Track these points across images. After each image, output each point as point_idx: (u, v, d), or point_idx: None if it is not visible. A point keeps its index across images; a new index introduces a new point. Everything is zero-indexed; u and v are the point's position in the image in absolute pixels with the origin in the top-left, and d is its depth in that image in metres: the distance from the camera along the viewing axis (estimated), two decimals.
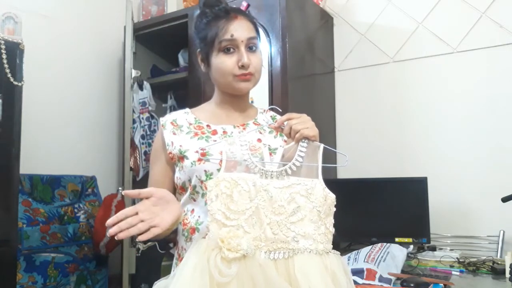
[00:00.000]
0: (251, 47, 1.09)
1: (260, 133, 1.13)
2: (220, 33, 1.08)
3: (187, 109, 1.20)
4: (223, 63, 1.08)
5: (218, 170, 0.99)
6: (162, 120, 1.16)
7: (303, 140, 1.01)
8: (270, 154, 1.03)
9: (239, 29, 1.08)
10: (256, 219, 0.92)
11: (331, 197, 0.97)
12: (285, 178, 0.96)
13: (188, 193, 1.08)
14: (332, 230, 0.96)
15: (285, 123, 1.05)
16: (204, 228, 0.95)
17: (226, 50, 1.08)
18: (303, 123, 1.02)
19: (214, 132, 1.11)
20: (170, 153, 1.10)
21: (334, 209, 0.98)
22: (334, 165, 1.04)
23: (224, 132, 1.11)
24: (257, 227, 0.92)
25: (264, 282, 0.86)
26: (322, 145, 1.01)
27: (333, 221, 0.97)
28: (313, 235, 0.93)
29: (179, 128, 1.13)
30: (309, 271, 0.89)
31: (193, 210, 1.08)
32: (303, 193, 0.95)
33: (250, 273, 0.87)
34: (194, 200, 1.08)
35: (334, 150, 1.04)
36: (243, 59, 1.06)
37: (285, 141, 1.11)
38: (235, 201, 0.93)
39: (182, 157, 1.08)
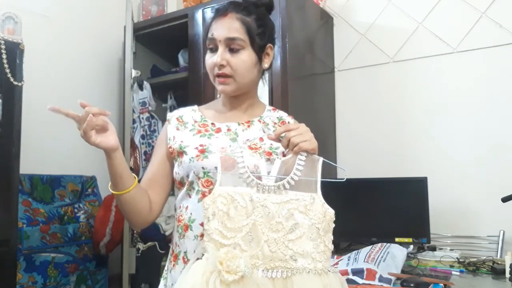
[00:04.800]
0: (232, 48, 1.07)
1: (264, 132, 1.12)
2: (208, 31, 1.10)
3: (195, 107, 1.20)
4: (207, 61, 1.11)
5: (216, 168, 0.98)
6: (169, 115, 1.17)
7: (301, 153, 0.97)
8: (269, 154, 1.02)
9: (220, 28, 1.07)
10: (253, 236, 0.90)
11: (330, 213, 0.94)
12: (283, 192, 0.93)
13: (185, 188, 1.09)
14: (331, 247, 0.94)
15: (283, 134, 1.00)
16: (198, 230, 0.94)
17: (210, 49, 1.10)
18: (302, 135, 0.98)
19: (218, 130, 1.12)
20: (170, 147, 1.12)
21: (333, 225, 0.95)
22: (333, 180, 1.00)
23: (228, 129, 1.12)
24: (254, 245, 0.90)
25: None
26: (321, 159, 0.98)
27: (332, 237, 0.94)
28: (311, 254, 0.91)
29: (183, 125, 1.14)
30: None
31: (187, 207, 1.08)
32: (302, 209, 0.92)
33: None
34: (189, 197, 1.08)
35: (334, 164, 1.02)
36: (215, 59, 1.07)
37: None
38: (232, 217, 0.90)
39: (181, 152, 1.08)
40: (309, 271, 0.89)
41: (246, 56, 1.08)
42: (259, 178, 0.95)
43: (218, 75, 1.08)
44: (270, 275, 0.88)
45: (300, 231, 0.91)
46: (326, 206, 0.94)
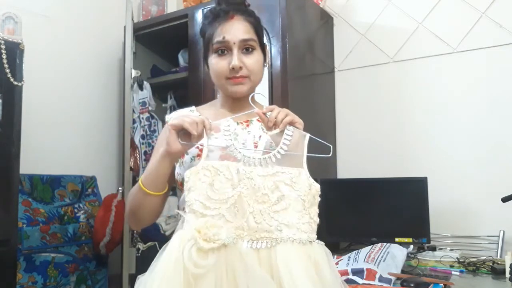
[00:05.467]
0: (247, 48, 1.08)
1: (263, 130, 1.11)
2: (214, 34, 1.08)
3: (193, 107, 1.20)
4: (216, 65, 1.08)
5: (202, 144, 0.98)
6: (167, 117, 1.16)
7: (288, 128, 0.98)
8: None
9: (232, 31, 1.07)
10: (238, 208, 0.90)
11: (316, 186, 0.95)
12: (269, 166, 0.94)
13: None
14: (317, 220, 0.95)
15: (268, 114, 1.00)
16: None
17: (220, 52, 1.08)
18: (283, 112, 0.99)
19: (217, 130, 1.11)
20: None
21: (319, 199, 0.96)
22: (318, 155, 0.99)
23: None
24: (240, 216, 0.90)
25: (244, 273, 0.85)
26: (308, 135, 0.99)
27: (317, 211, 0.95)
28: (296, 224, 0.91)
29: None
30: (291, 261, 0.87)
31: None
32: (288, 182, 0.93)
33: (231, 263, 0.85)
34: None
35: (320, 140, 1.01)
36: (233, 62, 1.05)
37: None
38: (216, 189, 0.90)
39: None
40: (293, 241, 0.90)
41: (258, 56, 1.10)
42: (246, 152, 0.96)
43: (233, 77, 1.07)
44: (255, 246, 0.88)
45: (286, 203, 0.92)
46: (312, 180, 0.95)
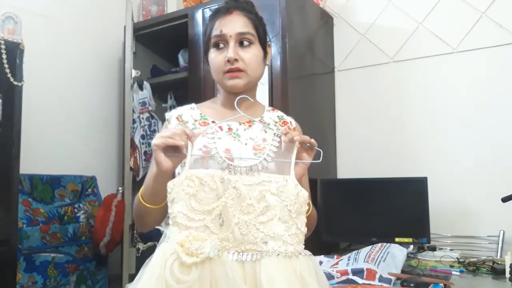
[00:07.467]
0: (244, 42, 1.08)
1: (265, 132, 1.10)
2: (212, 29, 1.09)
3: (193, 104, 1.18)
4: (214, 59, 1.09)
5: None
6: (167, 115, 1.14)
7: (276, 134, 0.97)
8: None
9: (229, 24, 1.07)
10: (224, 219, 0.88)
11: (303, 194, 0.93)
12: (255, 174, 0.92)
13: None
14: (304, 230, 0.93)
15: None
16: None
17: (218, 46, 1.08)
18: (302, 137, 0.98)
19: (219, 128, 1.09)
20: None
21: (307, 207, 0.94)
22: (308, 161, 0.97)
23: (230, 129, 1.09)
24: (225, 228, 0.88)
25: (227, 287, 0.83)
26: (297, 142, 0.97)
27: (305, 220, 0.93)
28: (282, 236, 0.89)
29: (184, 124, 1.11)
30: (275, 276, 0.86)
31: None
32: (274, 191, 0.91)
33: (214, 276, 0.84)
34: None
35: (309, 145, 0.99)
36: (228, 54, 1.05)
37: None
38: (200, 199, 0.89)
39: None
40: (278, 254, 0.88)
41: (256, 50, 1.10)
42: (232, 160, 0.94)
43: (230, 70, 1.06)
44: (240, 258, 0.87)
45: (272, 213, 0.90)
46: (299, 187, 0.93)
